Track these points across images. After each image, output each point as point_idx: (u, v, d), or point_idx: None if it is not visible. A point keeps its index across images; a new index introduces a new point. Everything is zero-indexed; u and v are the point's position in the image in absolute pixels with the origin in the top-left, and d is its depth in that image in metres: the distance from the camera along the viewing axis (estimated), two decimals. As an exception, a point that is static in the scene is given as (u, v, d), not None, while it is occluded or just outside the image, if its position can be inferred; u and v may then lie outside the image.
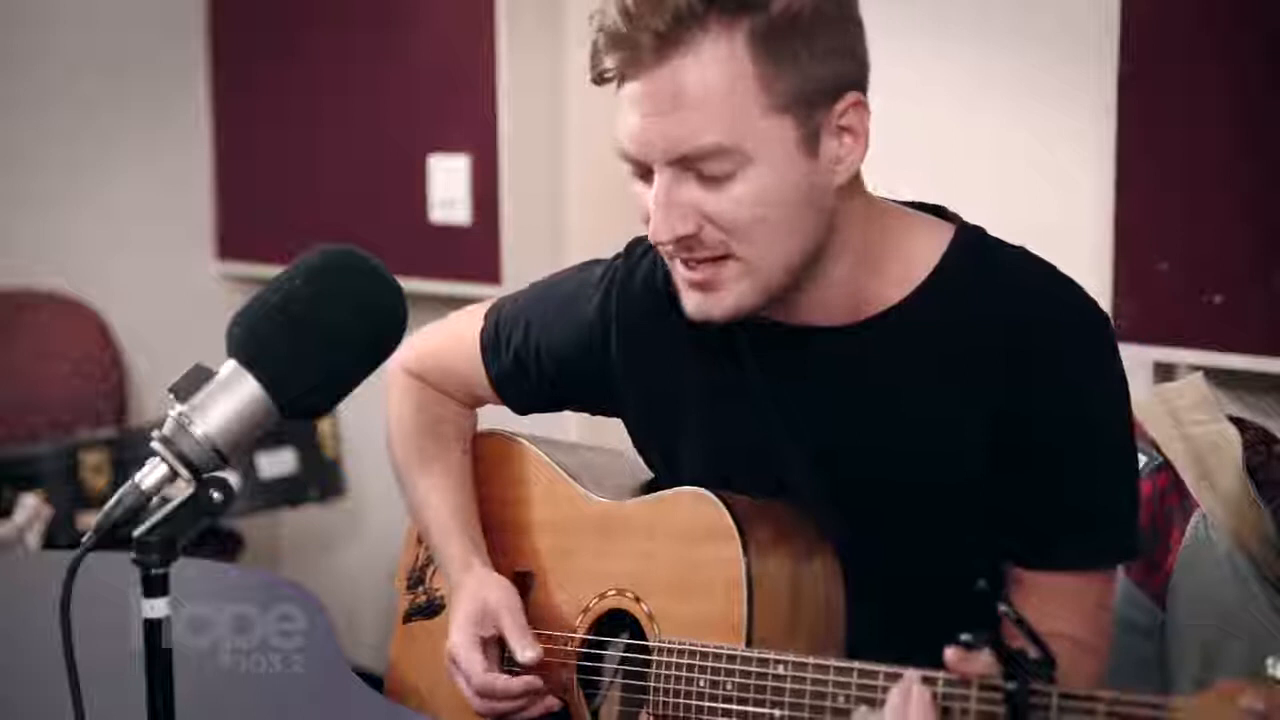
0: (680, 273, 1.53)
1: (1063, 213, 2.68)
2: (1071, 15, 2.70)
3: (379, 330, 1.34)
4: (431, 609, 1.88)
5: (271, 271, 1.37)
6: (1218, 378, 2.44)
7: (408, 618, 1.92)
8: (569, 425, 1.97)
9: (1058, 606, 1.51)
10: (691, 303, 1.53)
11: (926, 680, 1.33)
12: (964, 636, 1.27)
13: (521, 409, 1.87)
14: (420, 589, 1.90)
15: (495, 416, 1.93)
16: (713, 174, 1.46)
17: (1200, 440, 1.94)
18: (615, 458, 1.87)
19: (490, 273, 3.41)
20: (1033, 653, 1.25)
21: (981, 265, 1.56)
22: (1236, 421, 2.01)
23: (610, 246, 1.85)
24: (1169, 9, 2.52)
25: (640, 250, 1.74)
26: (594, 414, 1.83)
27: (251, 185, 3.89)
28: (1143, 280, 2.53)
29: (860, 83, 1.50)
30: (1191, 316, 2.50)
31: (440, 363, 1.90)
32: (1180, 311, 2.49)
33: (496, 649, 1.74)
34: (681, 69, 1.44)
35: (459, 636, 1.74)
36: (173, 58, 3.92)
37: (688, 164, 1.46)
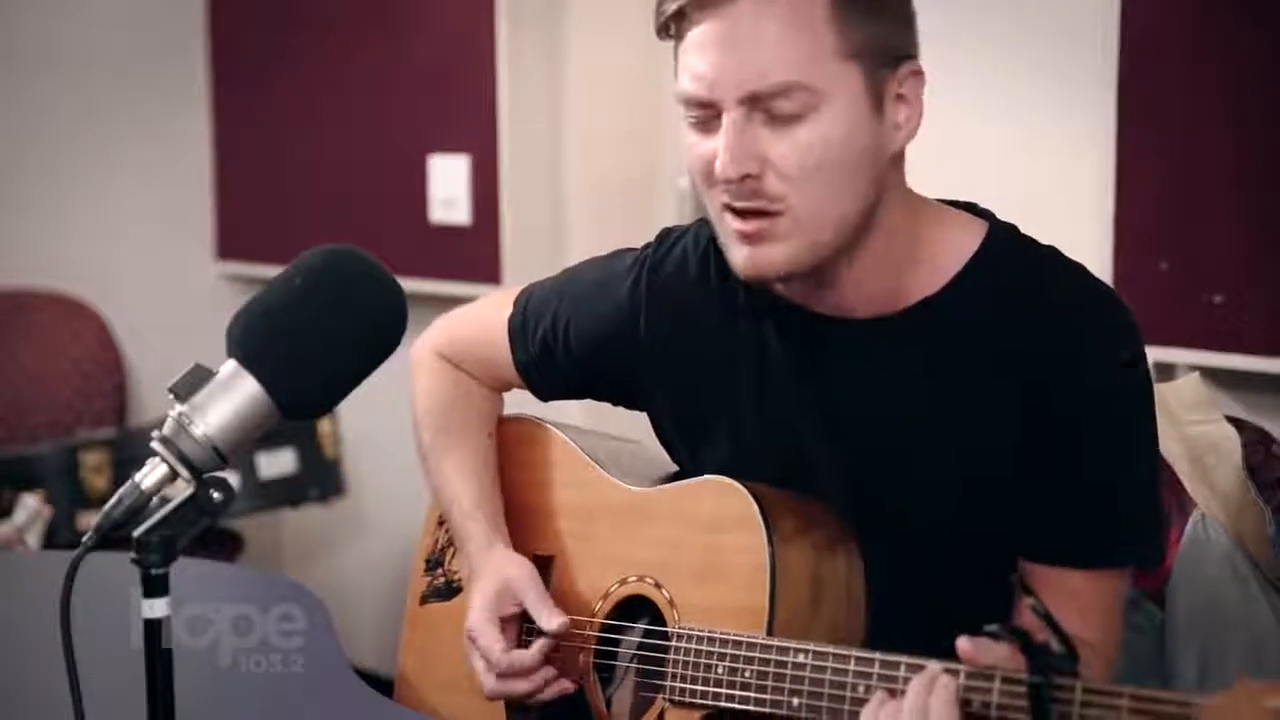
0: (731, 225, 1.51)
1: (1063, 213, 2.68)
2: (1072, 16, 2.70)
3: (379, 330, 1.33)
4: (449, 591, 1.87)
5: (271, 271, 1.37)
6: (1217, 378, 2.44)
7: (424, 600, 1.91)
8: (571, 412, 1.96)
9: (1070, 605, 1.50)
10: (741, 257, 1.52)
11: (949, 672, 1.33)
12: (989, 627, 1.27)
13: (546, 396, 1.87)
14: (439, 571, 1.90)
15: (521, 401, 1.92)
16: (783, 112, 1.46)
17: (1199, 440, 1.94)
18: (639, 447, 1.87)
19: (490, 273, 3.41)
20: (1056, 647, 1.25)
21: (1013, 262, 1.57)
22: (1235, 421, 2.01)
23: (610, 246, 1.85)
24: (1169, 9, 2.52)
25: (672, 239, 1.74)
26: (617, 404, 1.82)
27: (251, 185, 3.89)
28: (1143, 280, 2.53)
29: (915, 56, 1.54)
30: (1191, 316, 2.50)
31: (468, 346, 1.90)
32: (1180, 311, 2.49)
33: (515, 629, 1.74)
34: (759, 6, 1.45)
35: (479, 616, 1.73)
36: (173, 58, 3.92)
37: (759, 103, 1.46)
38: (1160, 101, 2.53)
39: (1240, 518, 1.91)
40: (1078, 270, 1.58)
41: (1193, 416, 1.72)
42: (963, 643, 1.31)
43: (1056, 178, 2.76)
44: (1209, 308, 2.49)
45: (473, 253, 3.46)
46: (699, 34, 1.48)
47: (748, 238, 1.51)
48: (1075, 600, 1.52)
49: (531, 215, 3.43)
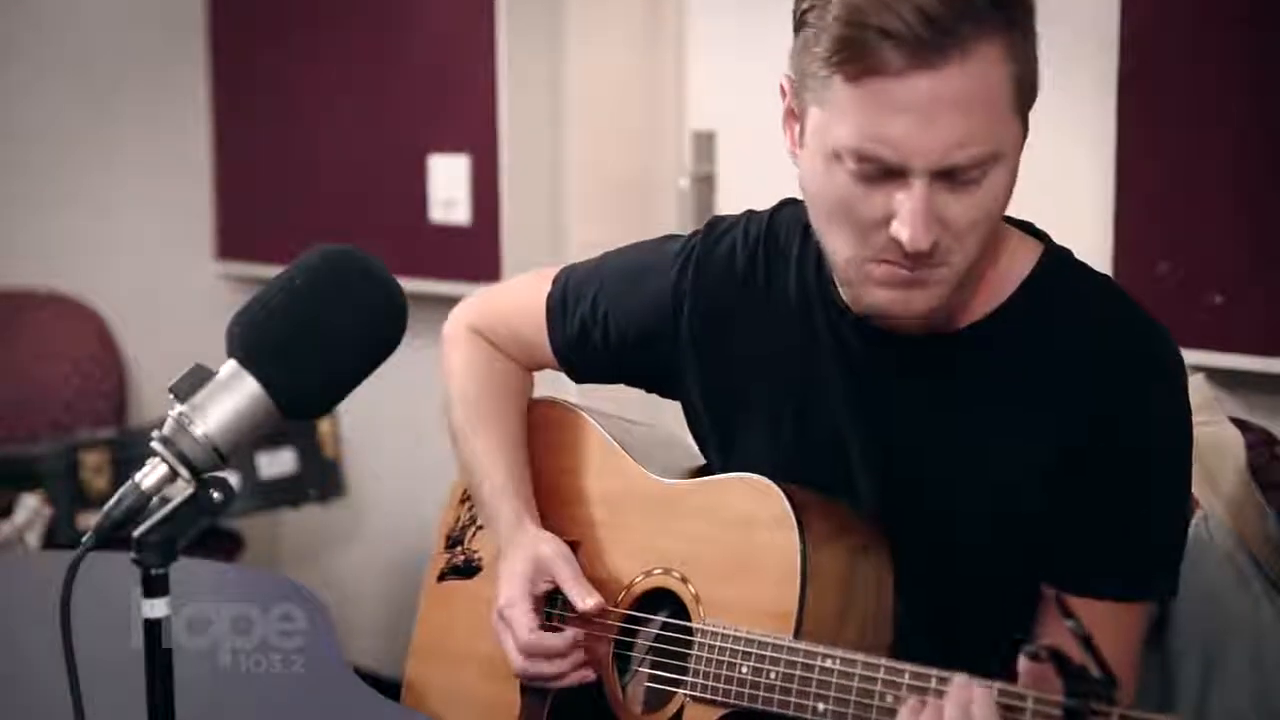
0: (877, 271, 1.46)
1: (1063, 213, 2.67)
2: (1072, 15, 2.70)
3: (379, 330, 1.33)
4: (468, 570, 1.87)
5: (271, 271, 1.37)
6: (1218, 378, 2.44)
7: (443, 576, 1.90)
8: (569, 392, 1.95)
9: (1095, 634, 1.49)
10: (885, 298, 1.47)
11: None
12: (1028, 647, 1.25)
13: (580, 378, 1.85)
14: (459, 549, 1.89)
15: (551, 382, 1.92)
16: (969, 178, 1.40)
17: (1202, 440, 1.94)
18: (667, 434, 1.86)
19: (490, 273, 3.41)
20: (1094, 671, 1.23)
21: (1064, 289, 1.55)
22: (1239, 422, 2.01)
23: (610, 246, 1.85)
24: (1169, 9, 2.52)
25: (721, 230, 1.72)
26: (650, 391, 1.80)
27: (251, 185, 3.89)
28: (1143, 280, 2.52)
29: None
30: (1191, 316, 2.50)
31: (505, 323, 1.88)
32: (1180, 311, 2.49)
33: (541, 609, 1.73)
34: (962, 72, 1.37)
35: (511, 593, 1.71)
36: (173, 58, 3.92)
37: (951, 173, 1.40)
38: (1160, 101, 2.53)
39: (1243, 519, 1.91)
40: (1125, 300, 1.57)
41: (1196, 417, 1.71)
42: (1024, 660, 1.28)
43: (1057, 178, 2.75)
44: (1209, 308, 2.49)
45: (473, 253, 3.46)
46: (898, 91, 1.36)
47: (906, 283, 1.45)
48: (1100, 629, 1.48)
49: (531, 215, 3.43)
